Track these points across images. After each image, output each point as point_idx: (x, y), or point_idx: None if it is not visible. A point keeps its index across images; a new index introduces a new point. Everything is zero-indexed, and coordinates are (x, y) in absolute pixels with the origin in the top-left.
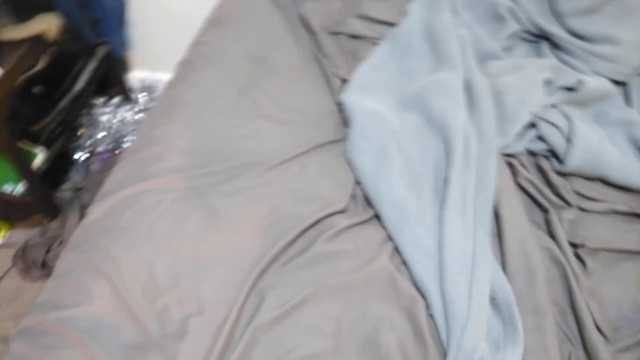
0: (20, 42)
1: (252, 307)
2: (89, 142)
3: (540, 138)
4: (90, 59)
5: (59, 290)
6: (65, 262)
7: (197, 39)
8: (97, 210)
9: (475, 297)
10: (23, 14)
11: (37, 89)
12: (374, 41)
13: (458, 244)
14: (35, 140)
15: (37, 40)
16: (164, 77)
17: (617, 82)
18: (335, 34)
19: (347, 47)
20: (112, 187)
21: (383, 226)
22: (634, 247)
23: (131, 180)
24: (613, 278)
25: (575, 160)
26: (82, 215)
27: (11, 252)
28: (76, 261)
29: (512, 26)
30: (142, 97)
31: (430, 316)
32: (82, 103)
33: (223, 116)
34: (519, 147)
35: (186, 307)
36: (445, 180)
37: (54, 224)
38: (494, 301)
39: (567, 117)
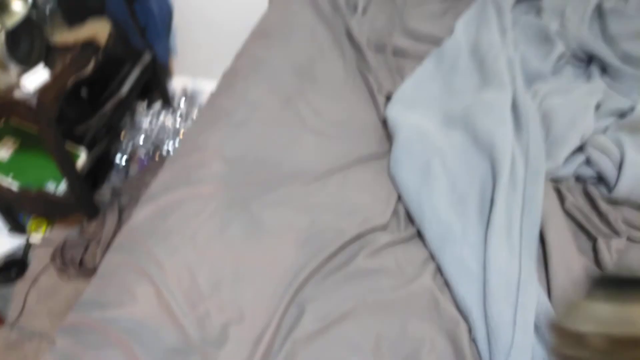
0: (71, 46)
1: (292, 319)
2: (129, 146)
3: (589, 163)
4: (136, 64)
5: (103, 290)
6: (109, 262)
7: (242, 50)
8: (142, 213)
9: (520, 323)
10: (75, 18)
11: (84, 92)
12: (419, 58)
13: (503, 268)
14: (79, 141)
15: (88, 45)
16: (204, 85)
17: None
18: (381, 49)
19: (392, 63)
20: (158, 190)
21: (425, 245)
22: None
23: (176, 184)
24: None
25: (625, 187)
26: (120, 216)
27: (50, 249)
28: (120, 262)
29: (560, 48)
30: (182, 104)
31: (473, 340)
32: (126, 107)
33: (267, 126)
34: (566, 172)
35: (227, 314)
36: (491, 202)
37: (93, 224)
38: (538, 328)
39: (618, 143)
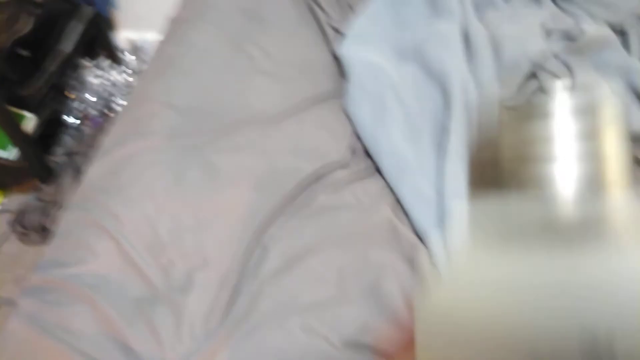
0: (4, 4)
1: (257, 260)
2: (80, 106)
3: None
4: (76, 20)
5: (63, 249)
6: (66, 221)
7: None
8: (95, 169)
9: None
10: None
11: (24, 53)
12: None
13: (459, 193)
14: (26, 105)
15: (22, 1)
16: (152, 37)
17: (615, 29)
18: None
19: None
20: (110, 145)
21: (383, 178)
22: None
23: (128, 138)
24: None
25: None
26: (77, 178)
27: (8, 217)
28: (77, 220)
29: None
30: (131, 58)
31: (432, 264)
32: (71, 66)
33: (218, 72)
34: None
35: (190, 261)
36: (445, 131)
37: (50, 189)
38: None
39: (568, 66)
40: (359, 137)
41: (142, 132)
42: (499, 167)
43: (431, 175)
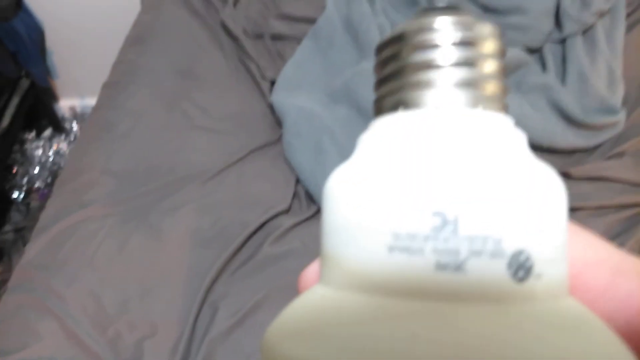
0: None
1: (206, 320)
2: (25, 179)
3: None
4: (13, 93)
5: (4, 335)
6: (6, 304)
7: (118, 58)
8: (34, 247)
9: None
10: None
11: None
12: (298, 40)
13: None
14: None
15: None
16: (94, 102)
17: (531, 50)
18: (259, 36)
19: (272, 48)
20: (47, 221)
21: None
22: None
23: (66, 211)
24: None
25: None
26: None
27: None
28: (18, 302)
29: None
30: (74, 126)
31: None
32: (11, 140)
33: (154, 133)
34: None
35: (139, 331)
36: None
37: (0, 266)
38: None
39: None
40: (300, 183)
41: (81, 203)
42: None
43: None
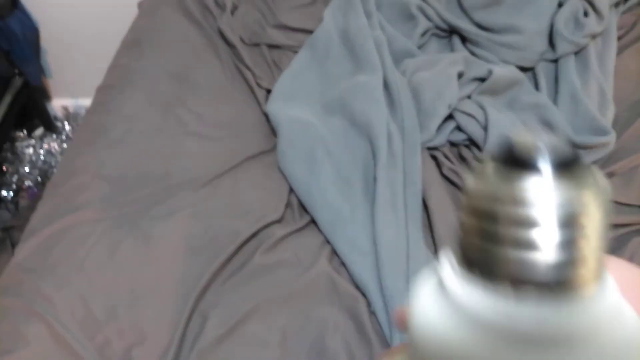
0: None
1: (196, 329)
2: (15, 178)
3: (459, 129)
4: (5, 91)
5: None
6: None
7: (113, 62)
8: (24, 250)
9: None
10: None
11: None
12: (294, 50)
13: (391, 241)
14: None
15: None
16: (87, 103)
17: (524, 69)
18: (256, 45)
19: (268, 57)
20: (38, 224)
21: (320, 231)
22: None
23: (57, 214)
24: None
25: (492, 146)
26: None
27: None
28: (6, 305)
29: (424, 24)
30: (66, 126)
31: (372, 313)
32: (2, 138)
33: (148, 139)
34: (440, 140)
35: (127, 338)
36: (374, 180)
37: None
38: None
39: (481, 107)
40: (294, 193)
41: (73, 207)
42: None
43: (365, 225)
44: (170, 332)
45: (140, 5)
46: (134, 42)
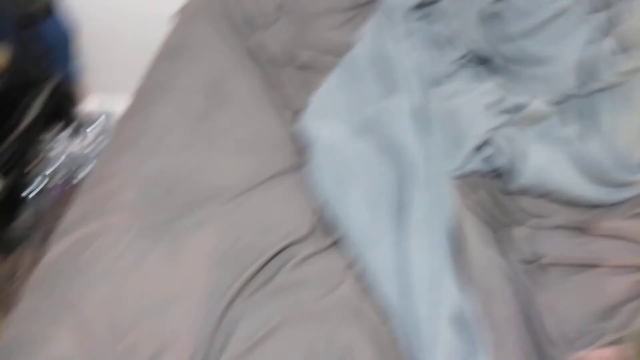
0: None
1: (222, 340)
2: (39, 177)
3: (488, 160)
4: (39, 92)
5: (19, 336)
6: (24, 306)
7: (149, 71)
8: (55, 249)
9: (440, 318)
10: None
11: None
12: (323, 71)
13: (420, 266)
14: None
15: None
16: (117, 108)
17: (555, 103)
18: (287, 64)
19: (298, 77)
20: (70, 225)
21: (346, 252)
22: (583, 260)
23: (89, 216)
24: (567, 291)
25: (527, 178)
26: (36, 251)
27: None
28: (35, 304)
29: (454, 54)
30: (94, 129)
31: (395, 339)
32: (33, 136)
33: (178, 149)
34: (468, 170)
35: (154, 343)
36: (402, 204)
37: (8, 262)
38: (457, 320)
39: (510, 139)
40: (321, 211)
41: (104, 211)
42: None
43: (392, 249)
44: (197, 340)
45: (174, 18)
46: (168, 53)
